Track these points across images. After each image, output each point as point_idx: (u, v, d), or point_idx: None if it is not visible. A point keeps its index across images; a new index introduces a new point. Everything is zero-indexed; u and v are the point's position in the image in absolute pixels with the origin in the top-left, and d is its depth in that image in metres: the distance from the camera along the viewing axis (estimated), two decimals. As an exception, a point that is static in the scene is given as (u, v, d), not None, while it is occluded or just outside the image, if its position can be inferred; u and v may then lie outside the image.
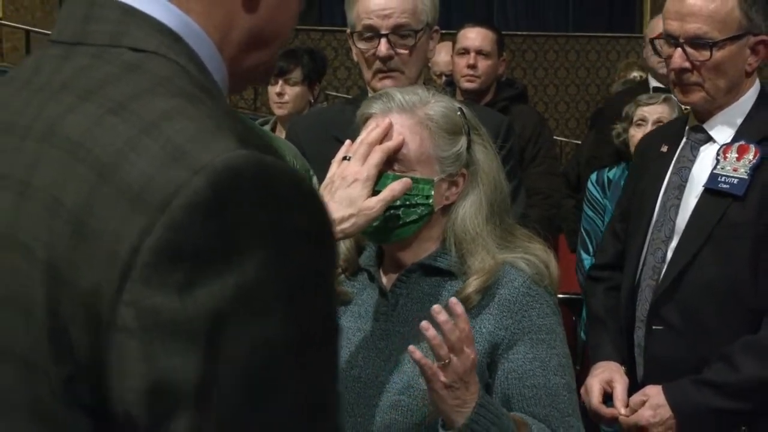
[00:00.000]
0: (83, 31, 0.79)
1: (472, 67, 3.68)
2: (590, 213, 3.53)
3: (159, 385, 0.66)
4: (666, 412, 2.04)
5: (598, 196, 3.52)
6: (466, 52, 3.71)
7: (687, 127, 2.20)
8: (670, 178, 2.18)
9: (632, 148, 3.28)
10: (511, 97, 3.89)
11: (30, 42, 10.67)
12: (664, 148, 2.23)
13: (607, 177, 3.52)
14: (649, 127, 3.27)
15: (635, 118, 3.39)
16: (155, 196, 0.66)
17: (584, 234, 3.53)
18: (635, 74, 5.17)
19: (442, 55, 4.08)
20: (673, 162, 2.19)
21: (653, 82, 3.97)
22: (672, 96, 3.54)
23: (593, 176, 3.58)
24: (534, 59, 12.87)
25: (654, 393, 2.07)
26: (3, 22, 10.76)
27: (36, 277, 0.69)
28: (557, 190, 3.80)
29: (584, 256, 3.48)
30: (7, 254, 0.72)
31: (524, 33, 12.63)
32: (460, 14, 10.57)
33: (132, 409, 0.67)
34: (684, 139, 2.20)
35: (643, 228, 2.20)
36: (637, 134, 3.31)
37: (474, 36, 3.73)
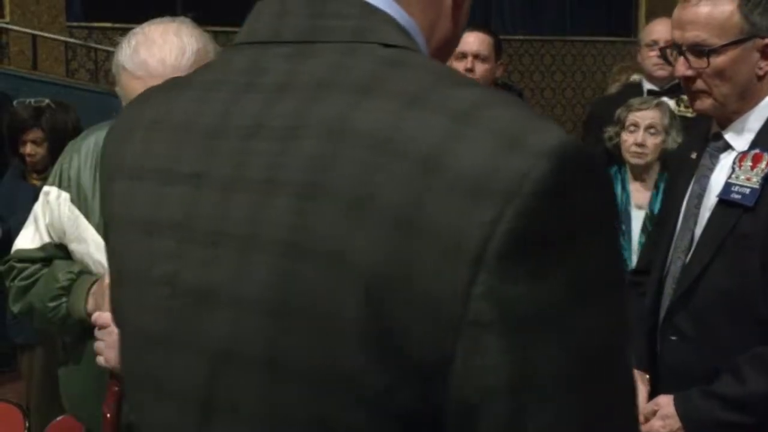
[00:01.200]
0: (312, 29, 0.75)
1: (470, 70, 3.70)
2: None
3: (521, 377, 0.62)
4: (675, 422, 2.03)
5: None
6: (464, 56, 3.76)
7: (710, 134, 2.15)
8: (692, 186, 2.14)
9: (624, 153, 3.36)
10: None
11: (36, 46, 10.83)
12: (693, 155, 2.19)
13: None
14: (641, 132, 3.30)
15: (627, 123, 3.38)
16: (498, 185, 0.61)
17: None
18: (635, 77, 5.15)
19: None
20: (696, 170, 2.15)
21: (647, 85, 4.02)
22: (664, 101, 3.54)
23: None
24: (531, 63, 13.05)
25: (665, 403, 2.05)
26: (10, 26, 10.92)
27: (344, 284, 0.64)
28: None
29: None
30: (295, 264, 0.66)
31: (521, 37, 12.81)
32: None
33: (480, 404, 0.63)
34: (707, 147, 2.15)
35: (668, 237, 2.18)
36: (628, 139, 3.33)
37: (472, 40, 3.76)
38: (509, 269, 0.62)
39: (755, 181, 1.99)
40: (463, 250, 0.62)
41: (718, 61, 1.99)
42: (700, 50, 1.99)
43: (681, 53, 2.02)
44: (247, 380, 0.70)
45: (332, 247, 0.65)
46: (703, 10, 1.99)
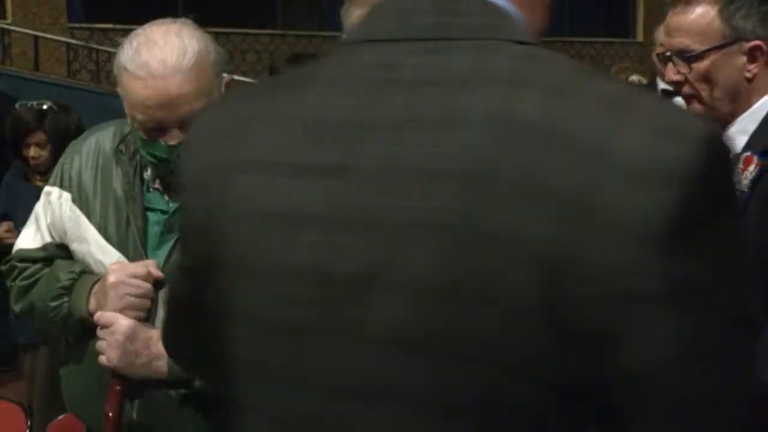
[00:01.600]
0: (440, 26, 0.78)
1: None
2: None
3: (689, 345, 0.69)
4: None
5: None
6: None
7: None
8: None
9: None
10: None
11: (38, 47, 10.85)
12: None
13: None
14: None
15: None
16: (657, 170, 0.67)
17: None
18: (633, 78, 5.18)
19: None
20: None
21: (661, 85, 3.97)
22: (678, 100, 3.61)
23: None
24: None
25: None
26: (12, 27, 10.94)
27: (517, 266, 0.68)
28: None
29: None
30: (466, 249, 0.70)
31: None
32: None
33: (653, 373, 0.69)
34: None
35: None
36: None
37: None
38: (672, 247, 0.68)
39: (744, 185, 1.98)
40: (630, 231, 0.67)
41: (701, 66, 2.05)
42: (684, 56, 2.07)
43: (668, 59, 2.11)
44: (415, 364, 0.72)
45: (504, 232, 0.69)
46: (688, 17, 2.06)
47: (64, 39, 11.03)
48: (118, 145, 1.99)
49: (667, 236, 0.67)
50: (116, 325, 1.82)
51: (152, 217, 1.95)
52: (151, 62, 1.79)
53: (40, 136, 4.24)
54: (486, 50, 0.77)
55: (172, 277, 1.41)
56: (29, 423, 2.87)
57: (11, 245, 2.18)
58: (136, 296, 1.83)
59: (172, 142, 1.80)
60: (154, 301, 1.86)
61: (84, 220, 1.99)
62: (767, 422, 1.22)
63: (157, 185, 1.96)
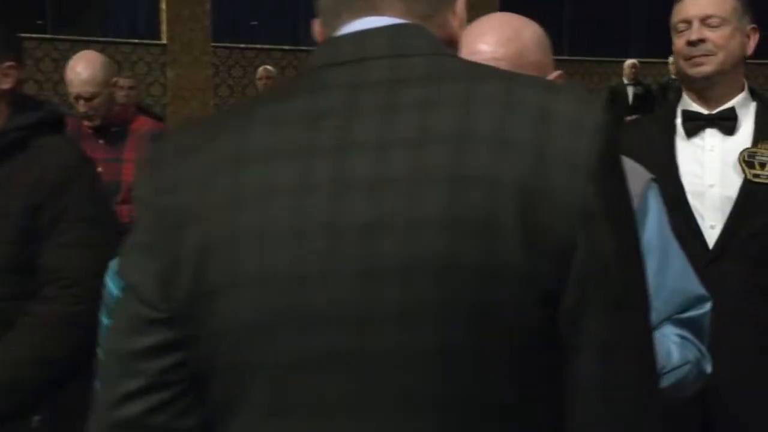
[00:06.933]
0: (394, 46, 0.98)
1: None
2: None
3: (619, 251, 0.91)
4: None
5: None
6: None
7: None
8: None
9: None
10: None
11: None
12: None
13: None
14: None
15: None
16: (589, 126, 0.92)
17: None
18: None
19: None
20: None
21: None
22: None
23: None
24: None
25: None
26: None
27: (501, 199, 0.88)
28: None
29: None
30: (462, 190, 0.89)
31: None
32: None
33: (598, 270, 0.90)
34: None
35: None
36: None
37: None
38: (604, 176, 0.91)
39: None
40: (578, 166, 0.90)
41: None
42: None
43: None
44: (425, 284, 0.89)
45: (487, 175, 0.89)
46: None
47: None
48: None
49: (599, 167, 0.90)
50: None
51: None
52: None
53: None
54: (438, 60, 0.98)
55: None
56: None
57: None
58: None
59: None
60: None
61: None
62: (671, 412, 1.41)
63: None
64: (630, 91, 11.50)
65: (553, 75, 1.57)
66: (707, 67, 2.29)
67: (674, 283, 1.64)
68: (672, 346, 1.61)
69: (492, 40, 1.54)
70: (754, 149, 2.26)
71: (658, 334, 1.58)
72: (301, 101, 0.98)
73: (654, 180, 1.68)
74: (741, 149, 2.27)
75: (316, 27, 1.14)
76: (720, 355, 2.15)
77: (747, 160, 2.26)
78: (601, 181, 0.91)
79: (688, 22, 2.32)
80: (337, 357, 0.90)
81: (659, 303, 1.59)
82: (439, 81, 0.95)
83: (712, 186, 2.28)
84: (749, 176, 2.23)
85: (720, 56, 2.29)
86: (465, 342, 0.89)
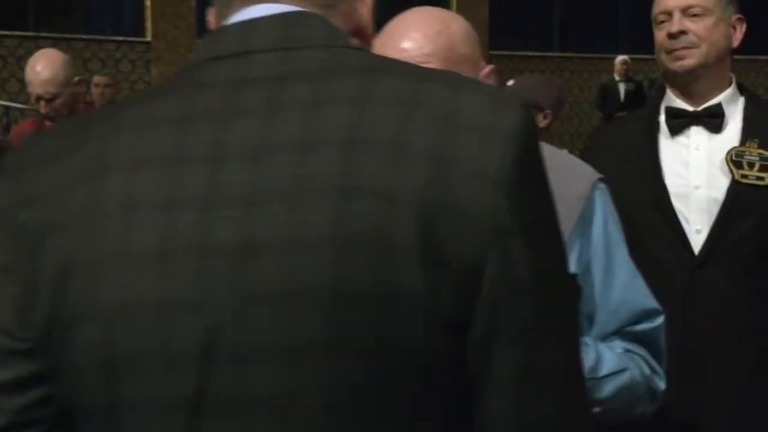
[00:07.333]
0: (285, 38, 0.87)
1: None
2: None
3: (534, 273, 0.80)
4: None
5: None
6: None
7: None
8: None
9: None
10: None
11: None
12: None
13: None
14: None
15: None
16: (502, 130, 0.80)
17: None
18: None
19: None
20: None
21: None
22: None
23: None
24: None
25: None
26: None
27: (397, 215, 0.77)
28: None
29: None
30: (350, 204, 0.77)
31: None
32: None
33: (510, 294, 0.79)
34: None
35: None
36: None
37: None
38: (518, 190, 0.80)
39: None
40: (487, 176, 0.79)
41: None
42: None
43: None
44: (310, 312, 0.77)
45: (382, 186, 0.78)
46: None
47: None
48: None
49: (513, 177, 0.79)
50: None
51: None
52: None
53: None
54: (332, 52, 0.86)
55: None
56: None
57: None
58: None
59: None
60: None
61: None
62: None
63: None
64: (622, 87, 11.44)
65: (485, 71, 1.47)
66: (689, 61, 2.17)
67: (620, 295, 1.54)
68: (605, 350, 1.50)
69: (419, 36, 1.43)
70: (742, 148, 2.14)
71: (592, 345, 1.49)
72: (173, 102, 0.86)
73: (602, 180, 1.55)
74: (728, 148, 2.14)
75: (210, 17, 1.03)
76: (717, 362, 2.07)
77: (735, 159, 2.13)
78: (516, 193, 0.80)
79: (669, 14, 2.20)
80: (209, 399, 0.79)
81: (603, 316, 1.51)
82: (332, 77, 0.83)
83: (697, 187, 2.15)
84: (737, 177, 2.11)
85: (703, 48, 2.16)
86: (359, 380, 0.78)
